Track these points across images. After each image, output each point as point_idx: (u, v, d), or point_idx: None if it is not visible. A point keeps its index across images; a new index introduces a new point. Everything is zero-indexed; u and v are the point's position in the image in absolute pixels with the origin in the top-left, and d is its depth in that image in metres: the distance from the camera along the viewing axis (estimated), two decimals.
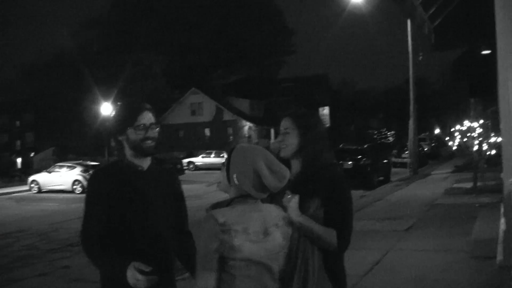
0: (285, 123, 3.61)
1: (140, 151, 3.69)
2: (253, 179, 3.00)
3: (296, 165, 3.56)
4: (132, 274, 3.29)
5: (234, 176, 3.04)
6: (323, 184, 3.38)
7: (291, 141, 3.54)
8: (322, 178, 3.40)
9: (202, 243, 2.93)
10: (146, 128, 3.66)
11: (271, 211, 3.11)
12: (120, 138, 3.75)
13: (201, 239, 2.94)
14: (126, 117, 3.70)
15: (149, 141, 3.67)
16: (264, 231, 2.99)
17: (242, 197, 3.04)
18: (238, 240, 2.88)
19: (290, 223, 3.14)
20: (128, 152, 3.74)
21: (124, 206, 3.60)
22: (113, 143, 3.90)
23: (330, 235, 3.32)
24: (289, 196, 3.22)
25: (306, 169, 3.49)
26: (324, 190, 3.37)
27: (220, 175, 3.22)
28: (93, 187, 3.69)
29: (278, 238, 3.05)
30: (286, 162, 3.46)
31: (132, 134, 3.67)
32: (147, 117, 3.70)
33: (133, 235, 3.61)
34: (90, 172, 32.86)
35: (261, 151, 3.09)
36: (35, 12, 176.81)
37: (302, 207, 3.25)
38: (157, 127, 3.73)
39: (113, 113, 3.83)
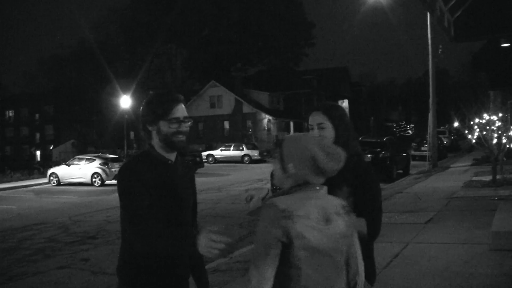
0: (318, 117, 3.68)
1: (171, 145, 3.59)
2: (310, 165, 2.95)
3: None
4: (206, 240, 3.09)
5: (291, 165, 2.98)
6: (353, 173, 3.51)
7: (328, 134, 3.64)
8: (351, 167, 3.47)
9: (263, 230, 2.84)
10: (180, 122, 3.57)
11: (330, 199, 3.06)
12: (150, 128, 3.62)
13: (261, 227, 2.86)
14: (160, 109, 3.56)
15: (180, 136, 3.58)
16: (325, 218, 2.92)
17: (299, 186, 2.99)
18: (300, 226, 2.80)
19: (350, 212, 3.07)
20: (157, 143, 3.62)
21: (159, 200, 3.48)
22: (142, 132, 3.74)
23: (360, 225, 3.43)
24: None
25: None
26: (353, 179, 3.50)
27: (274, 168, 3.11)
28: (132, 177, 3.45)
29: (341, 226, 2.97)
30: None
31: (164, 126, 3.55)
32: (181, 110, 3.60)
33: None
34: (109, 165, 33.30)
35: (313, 137, 3.10)
36: (57, 5, 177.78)
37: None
38: (189, 121, 3.64)
39: (146, 102, 3.66)
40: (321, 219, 2.89)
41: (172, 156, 3.65)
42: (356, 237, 3.13)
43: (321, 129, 3.63)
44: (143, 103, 3.65)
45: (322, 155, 2.93)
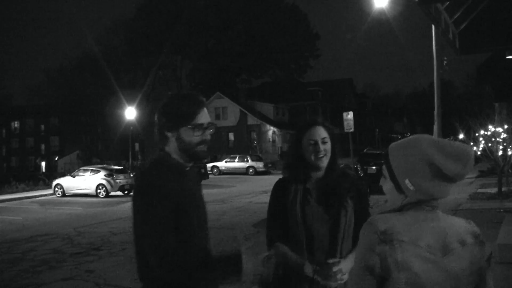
0: (322, 132, 3.65)
1: (193, 155, 3.21)
2: (431, 174, 2.34)
3: (318, 174, 3.66)
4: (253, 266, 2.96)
5: (407, 181, 2.37)
6: (353, 190, 3.64)
7: (328, 149, 3.64)
8: (350, 185, 3.65)
9: (358, 256, 2.36)
10: (204, 129, 3.18)
11: (455, 223, 2.45)
12: (169, 134, 3.18)
13: (357, 251, 2.38)
14: (183, 113, 3.14)
15: (203, 145, 3.19)
16: (442, 247, 2.31)
17: (415, 203, 2.40)
18: (402, 254, 2.24)
19: (483, 242, 2.41)
20: (174, 150, 3.18)
21: (183, 209, 3.07)
22: (157, 137, 3.26)
23: None
24: (336, 266, 3.32)
25: (330, 176, 3.66)
26: (354, 194, 3.62)
27: (385, 188, 2.51)
28: (156, 189, 2.99)
29: (466, 259, 2.34)
30: (303, 169, 3.63)
31: (187, 134, 3.14)
32: (205, 115, 3.21)
33: (189, 242, 3.10)
34: (114, 176, 33.30)
35: (422, 138, 2.44)
36: (61, 17, 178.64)
37: (337, 214, 3.49)
38: (212, 128, 3.25)
39: (165, 104, 3.21)
40: (437, 247, 2.31)
41: (188, 163, 3.25)
42: (491, 277, 2.43)
43: (324, 144, 3.61)
44: (162, 106, 3.23)
45: (442, 158, 2.32)
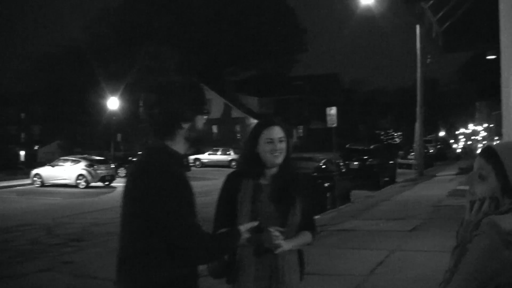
0: (279, 132, 3.75)
1: (199, 143, 3.19)
2: None
3: (272, 170, 3.77)
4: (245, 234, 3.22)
5: None
6: (303, 188, 3.85)
7: (284, 148, 3.76)
8: (301, 183, 3.87)
9: (472, 261, 2.09)
10: (206, 113, 3.17)
11: None
12: (185, 126, 3.05)
13: (471, 256, 2.10)
14: (198, 100, 3.10)
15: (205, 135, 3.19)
16: None
17: None
18: None
19: None
20: (179, 140, 3.07)
21: (190, 201, 3.04)
22: (168, 129, 3.03)
23: (309, 237, 3.82)
24: (277, 234, 3.45)
25: (283, 174, 3.79)
26: (303, 192, 3.81)
27: (480, 190, 2.29)
28: (177, 176, 2.95)
29: None
30: (258, 165, 3.75)
31: (199, 122, 3.11)
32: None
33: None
34: (95, 166, 33.13)
35: None
36: (49, 4, 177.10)
37: (286, 211, 3.66)
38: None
39: (180, 92, 3.05)
40: None
41: (182, 151, 3.12)
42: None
43: (280, 142, 3.73)
44: (172, 94, 3.04)
45: None
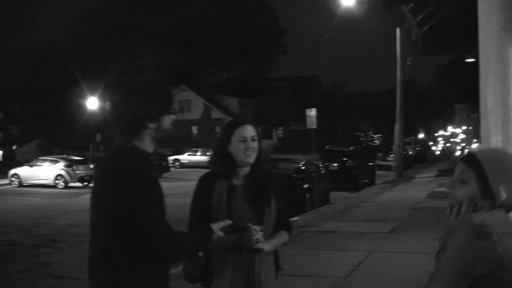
0: (251, 130, 3.75)
1: (167, 141, 3.27)
2: None
3: (245, 170, 3.78)
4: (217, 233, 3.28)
5: (501, 187, 2.31)
6: (276, 186, 3.86)
7: (256, 147, 3.76)
8: (274, 182, 3.88)
9: (449, 256, 2.28)
10: (175, 113, 3.23)
11: None
12: (150, 124, 3.08)
13: (449, 252, 2.29)
14: (165, 100, 3.15)
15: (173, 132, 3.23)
16: None
17: (499, 207, 2.35)
18: (503, 246, 2.17)
19: None
20: (147, 140, 3.10)
21: (158, 201, 3.06)
22: (134, 129, 3.07)
23: (286, 237, 3.84)
24: (257, 229, 3.50)
25: (256, 174, 3.80)
26: (278, 192, 3.82)
27: (462, 193, 2.42)
28: (146, 176, 2.98)
29: None
30: (231, 165, 3.75)
31: (167, 122, 3.13)
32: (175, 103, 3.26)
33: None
34: (74, 167, 32.91)
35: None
36: (28, 3, 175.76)
37: (262, 211, 3.67)
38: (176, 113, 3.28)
39: (145, 91, 3.11)
40: None
41: (151, 151, 3.18)
42: None
43: (253, 141, 3.73)
44: (138, 94, 3.11)
45: None
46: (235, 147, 3.70)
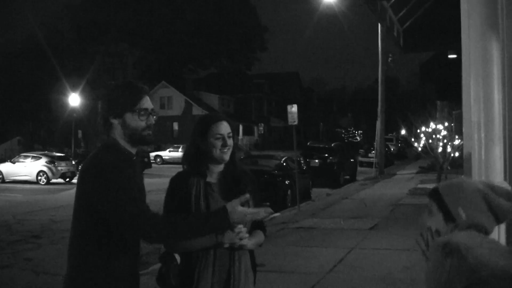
0: (227, 127, 3.69)
1: (139, 140, 3.28)
2: (484, 208, 2.44)
3: (219, 168, 3.73)
4: (236, 210, 3.17)
5: (460, 209, 2.45)
6: (251, 184, 3.79)
7: (231, 144, 3.70)
8: (249, 179, 3.81)
9: (428, 283, 2.36)
10: (148, 114, 3.27)
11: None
12: (113, 121, 3.25)
13: (427, 280, 2.37)
14: (128, 99, 3.23)
15: (149, 130, 3.28)
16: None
17: (468, 229, 2.44)
18: (473, 256, 2.23)
19: None
20: (120, 137, 3.25)
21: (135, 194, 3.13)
22: (100, 126, 3.33)
23: (262, 237, 3.76)
24: (240, 226, 3.47)
25: (231, 171, 3.75)
26: (253, 189, 3.72)
27: (429, 224, 2.58)
28: (121, 169, 3.08)
29: None
30: (206, 162, 3.69)
31: (132, 120, 3.22)
32: (148, 102, 3.31)
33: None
34: (56, 163, 32.80)
35: (473, 180, 2.62)
36: (7, 0, 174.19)
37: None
38: (156, 114, 3.36)
39: (109, 92, 3.33)
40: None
41: (134, 151, 3.35)
42: None
43: (229, 138, 3.68)
44: (105, 94, 3.34)
45: (493, 195, 2.45)
46: (211, 143, 3.63)
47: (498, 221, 2.48)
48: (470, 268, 2.20)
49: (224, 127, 3.68)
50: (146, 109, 3.24)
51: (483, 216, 2.44)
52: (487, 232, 2.46)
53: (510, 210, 2.45)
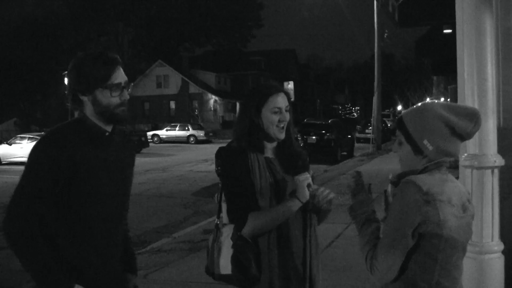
0: (284, 100, 3.33)
1: (112, 118, 2.95)
2: (448, 133, 2.54)
3: (273, 144, 3.41)
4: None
5: (425, 141, 2.56)
6: (306, 162, 3.51)
7: (288, 118, 3.34)
8: (305, 156, 3.54)
9: (398, 215, 2.53)
10: (122, 88, 2.94)
11: (460, 184, 2.75)
12: (82, 98, 2.94)
13: (397, 211, 2.55)
14: (97, 73, 2.87)
15: (123, 107, 2.94)
16: (462, 205, 2.58)
17: (435, 164, 2.60)
18: (443, 213, 2.45)
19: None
20: (91, 113, 2.95)
21: (86, 177, 2.86)
22: (69, 104, 3.02)
23: None
24: (306, 175, 3.26)
25: (286, 145, 3.42)
26: (307, 167, 3.46)
27: (400, 154, 2.72)
28: (47, 152, 2.83)
29: (472, 215, 2.67)
30: (262, 138, 3.33)
31: (103, 96, 2.89)
32: (121, 75, 2.95)
33: (91, 215, 2.93)
34: None
35: (434, 102, 2.61)
36: None
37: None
38: (130, 87, 3.01)
39: (75, 65, 2.95)
40: (459, 205, 2.56)
41: (108, 127, 3.00)
42: None
43: (287, 112, 3.32)
44: (71, 67, 2.96)
45: (455, 118, 2.53)
46: (267, 119, 3.27)
47: (463, 140, 2.63)
48: (439, 221, 2.47)
49: (283, 100, 3.31)
50: (119, 84, 2.91)
51: (448, 142, 2.56)
52: (455, 155, 2.62)
53: (473, 130, 2.56)
